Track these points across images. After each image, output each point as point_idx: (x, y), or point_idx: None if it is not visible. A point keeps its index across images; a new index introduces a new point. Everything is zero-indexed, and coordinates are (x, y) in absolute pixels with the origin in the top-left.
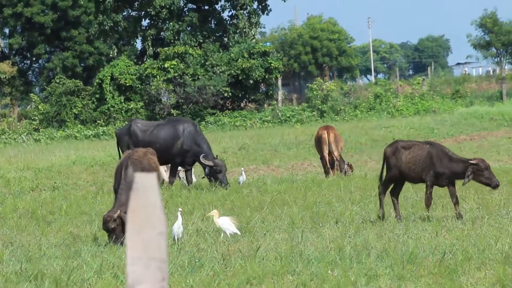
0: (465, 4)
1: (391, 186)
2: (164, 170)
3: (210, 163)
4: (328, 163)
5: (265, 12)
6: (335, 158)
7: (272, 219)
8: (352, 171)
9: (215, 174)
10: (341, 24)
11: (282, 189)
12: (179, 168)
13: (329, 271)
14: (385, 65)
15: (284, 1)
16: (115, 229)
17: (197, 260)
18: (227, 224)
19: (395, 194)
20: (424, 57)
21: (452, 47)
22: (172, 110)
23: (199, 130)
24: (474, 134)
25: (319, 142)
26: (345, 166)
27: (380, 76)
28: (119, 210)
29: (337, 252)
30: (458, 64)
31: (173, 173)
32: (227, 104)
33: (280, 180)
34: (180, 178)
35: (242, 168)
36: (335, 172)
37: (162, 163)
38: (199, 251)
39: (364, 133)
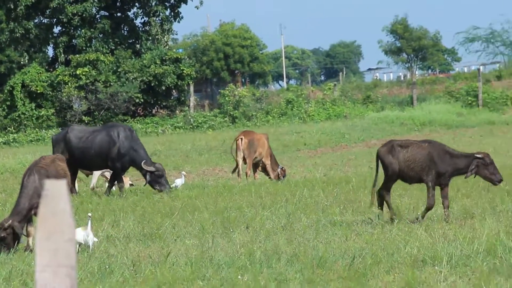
0: (376, 11)
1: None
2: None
3: (152, 169)
4: (239, 169)
5: (177, 19)
6: (265, 164)
7: (183, 224)
8: (284, 177)
9: (157, 179)
10: (253, 31)
11: (193, 194)
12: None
13: (239, 276)
14: (297, 71)
15: (197, 8)
16: (5, 238)
17: (107, 266)
18: (83, 236)
19: (387, 192)
20: (336, 63)
21: (363, 53)
22: (83, 117)
23: (135, 135)
24: (385, 138)
25: (235, 148)
26: (278, 170)
27: (292, 82)
28: (11, 220)
29: (248, 257)
30: (369, 69)
31: (120, 178)
32: (139, 111)
33: (191, 186)
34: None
35: (184, 173)
36: (256, 176)
37: (99, 168)
38: (109, 257)
39: (276, 138)
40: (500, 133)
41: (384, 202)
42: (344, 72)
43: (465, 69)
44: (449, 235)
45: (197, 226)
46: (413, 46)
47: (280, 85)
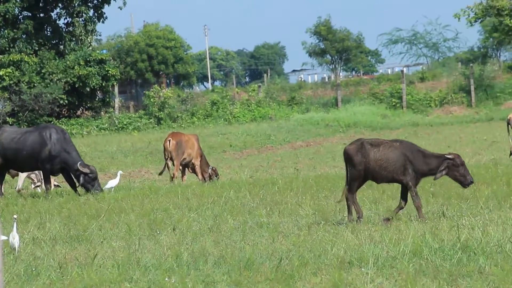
0: (300, 12)
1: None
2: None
3: (87, 170)
4: (168, 169)
5: (101, 20)
6: (195, 165)
7: (109, 226)
8: (217, 176)
9: (90, 181)
10: (177, 32)
11: (119, 196)
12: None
13: (166, 278)
14: (222, 72)
15: (121, 9)
16: None
17: (33, 269)
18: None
19: (354, 191)
20: (261, 64)
21: (288, 55)
22: (7, 118)
23: (68, 137)
24: (310, 140)
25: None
26: (209, 170)
27: (217, 83)
28: None
29: (175, 259)
30: (294, 71)
31: (47, 180)
32: (63, 112)
33: (117, 188)
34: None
35: (120, 172)
36: (184, 178)
37: (30, 169)
38: (36, 259)
39: (201, 140)
40: (424, 134)
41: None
42: (269, 74)
43: (389, 71)
44: (375, 236)
45: (123, 228)
46: (336, 48)
47: (205, 86)
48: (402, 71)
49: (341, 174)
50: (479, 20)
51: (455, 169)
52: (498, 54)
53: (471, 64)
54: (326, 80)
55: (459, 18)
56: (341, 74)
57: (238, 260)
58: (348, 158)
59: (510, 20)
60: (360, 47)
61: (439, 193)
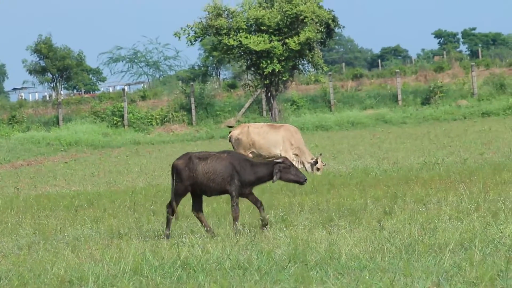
0: (21, 30)
1: (181, 201)
2: None
3: None
4: None
5: None
6: None
7: None
8: None
9: None
10: None
11: None
12: None
13: None
14: None
15: None
16: None
17: None
18: None
19: (197, 209)
20: None
21: (8, 72)
22: None
23: None
24: (31, 159)
25: None
26: None
27: None
28: None
29: None
30: (14, 89)
31: None
32: None
33: None
34: None
35: None
36: None
37: None
38: None
39: None
40: (145, 152)
41: (172, 217)
42: None
43: (111, 89)
44: (96, 255)
45: None
46: (57, 66)
47: None
48: (123, 89)
49: (62, 193)
50: (199, 39)
51: (287, 171)
52: (218, 72)
53: (191, 83)
54: (48, 98)
55: (179, 37)
56: (62, 92)
57: None
58: (176, 172)
59: (228, 39)
60: (81, 65)
61: (160, 211)
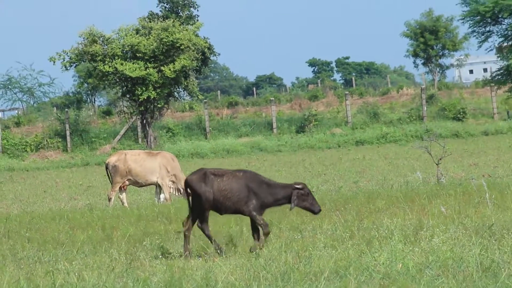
0: None
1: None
2: None
3: None
4: None
5: None
6: None
7: None
8: None
9: None
10: None
11: None
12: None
13: None
14: None
15: None
16: None
17: None
18: None
19: (189, 227)
20: None
21: None
22: None
23: None
24: None
25: None
26: None
27: None
28: None
29: None
30: None
31: None
32: None
33: None
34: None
35: None
36: None
37: None
38: None
39: None
40: (20, 179)
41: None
42: None
43: None
44: None
45: None
46: None
47: None
48: None
49: None
50: (74, 65)
51: (305, 198)
52: (93, 99)
53: (66, 109)
54: None
55: (54, 62)
56: None
57: None
58: (191, 188)
59: (104, 65)
60: None
61: (35, 238)
